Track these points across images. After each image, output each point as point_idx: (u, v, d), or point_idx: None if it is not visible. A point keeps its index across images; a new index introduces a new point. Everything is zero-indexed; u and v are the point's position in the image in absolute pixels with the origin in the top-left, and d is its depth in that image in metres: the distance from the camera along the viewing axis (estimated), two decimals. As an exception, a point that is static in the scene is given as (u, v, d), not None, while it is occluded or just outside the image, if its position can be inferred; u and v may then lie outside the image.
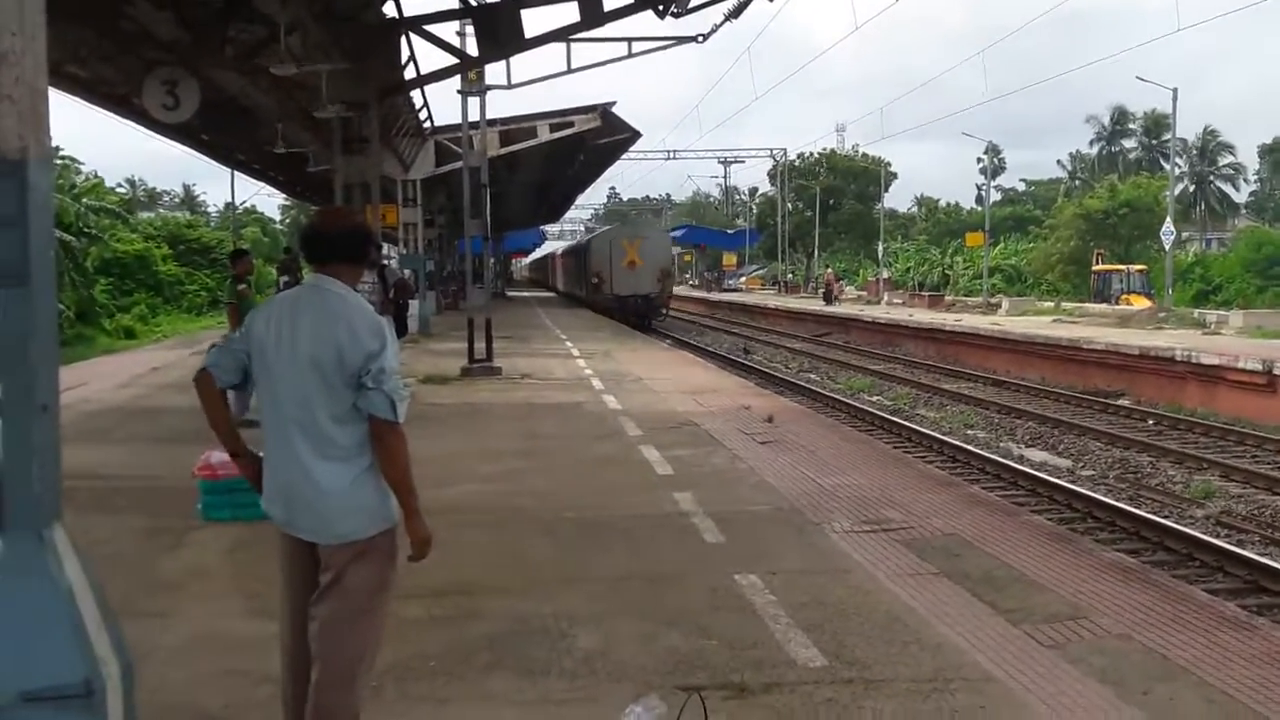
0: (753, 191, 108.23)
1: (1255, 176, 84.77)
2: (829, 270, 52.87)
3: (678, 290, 73.74)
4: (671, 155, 74.68)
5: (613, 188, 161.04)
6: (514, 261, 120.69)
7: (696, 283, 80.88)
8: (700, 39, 15.32)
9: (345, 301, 3.31)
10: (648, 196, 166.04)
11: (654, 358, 21.24)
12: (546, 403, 13.70)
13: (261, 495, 3.40)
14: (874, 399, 19.88)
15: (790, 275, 69.02)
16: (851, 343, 32.97)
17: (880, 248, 57.08)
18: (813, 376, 23.85)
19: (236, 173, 37.92)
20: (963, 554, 6.42)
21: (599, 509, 7.60)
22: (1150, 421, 16.62)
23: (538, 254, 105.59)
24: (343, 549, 3.26)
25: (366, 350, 3.21)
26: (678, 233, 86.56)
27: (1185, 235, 60.00)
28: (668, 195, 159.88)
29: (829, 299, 44.82)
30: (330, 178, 22.04)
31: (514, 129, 29.33)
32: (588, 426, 11.62)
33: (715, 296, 61.13)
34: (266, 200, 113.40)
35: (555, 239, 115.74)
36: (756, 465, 9.28)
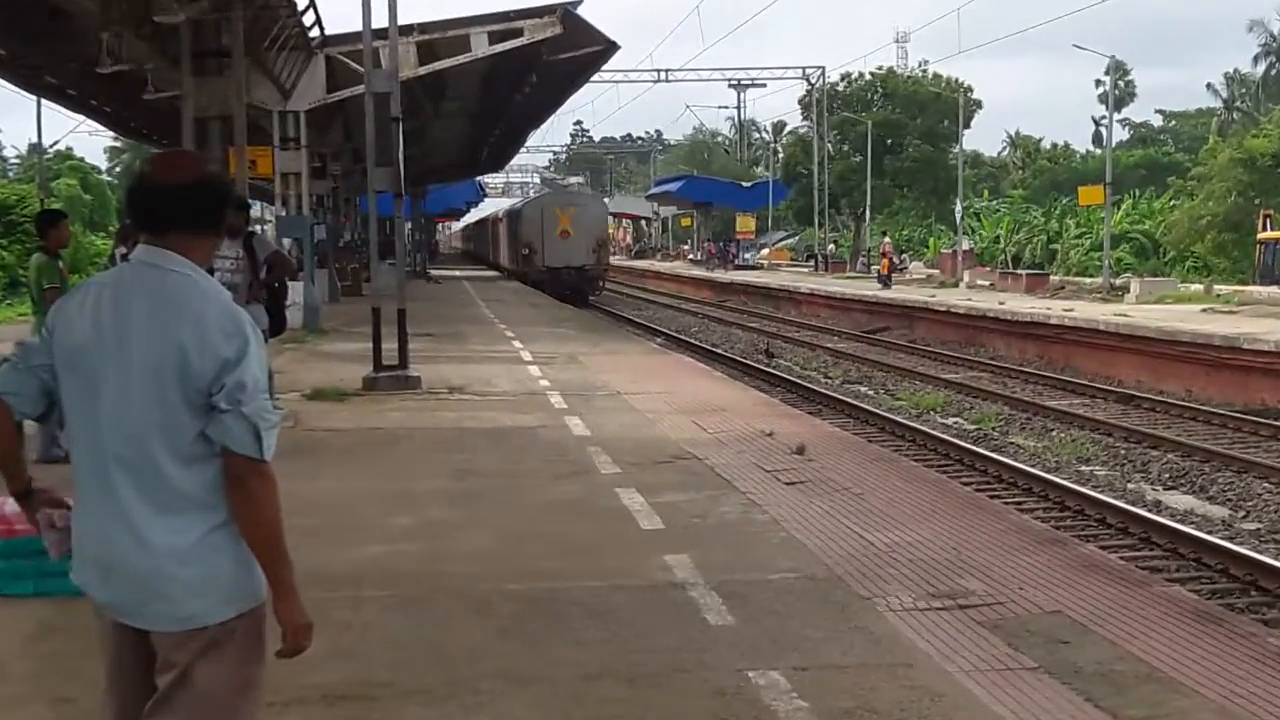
0: (778, 128, 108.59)
1: None
2: (886, 239, 53.11)
3: (672, 268, 74.08)
4: (663, 77, 74.51)
5: (579, 122, 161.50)
6: (440, 227, 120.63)
7: (698, 256, 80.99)
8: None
9: (192, 286, 3.30)
10: (629, 135, 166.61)
11: (638, 363, 21.26)
12: (485, 427, 13.68)
13: (71, 562, 3.39)
14: (949, 421, 19.93)
15: (832, 246, 69.25)
16: (918, 341, 33.03)
17: (958, 207, 57.25)
18: (862, 389, 23.91)
19: (44, 102, 37.76)
20: (1072, 641, 6.44)
21: (558, 578, 7.60)
22: (1338, 453, 16.71)
23: (474, 216, 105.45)
24: (188, 638, 3.26)
25: (220, 356, 3.21)
26: (672, 185, 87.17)
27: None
28: (657, 133, 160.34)
29: (886, 279, 44.97)
30: (177, 108, 22.05)
31: (438, 39, 29.35)
32: (543, 461, 11.60)
33: (726, 276, 61.28)
34: (88, 140, 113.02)
35: (499, 195, 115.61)
36: (781, 515, 9.29)
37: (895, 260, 49.62)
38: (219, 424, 3.20)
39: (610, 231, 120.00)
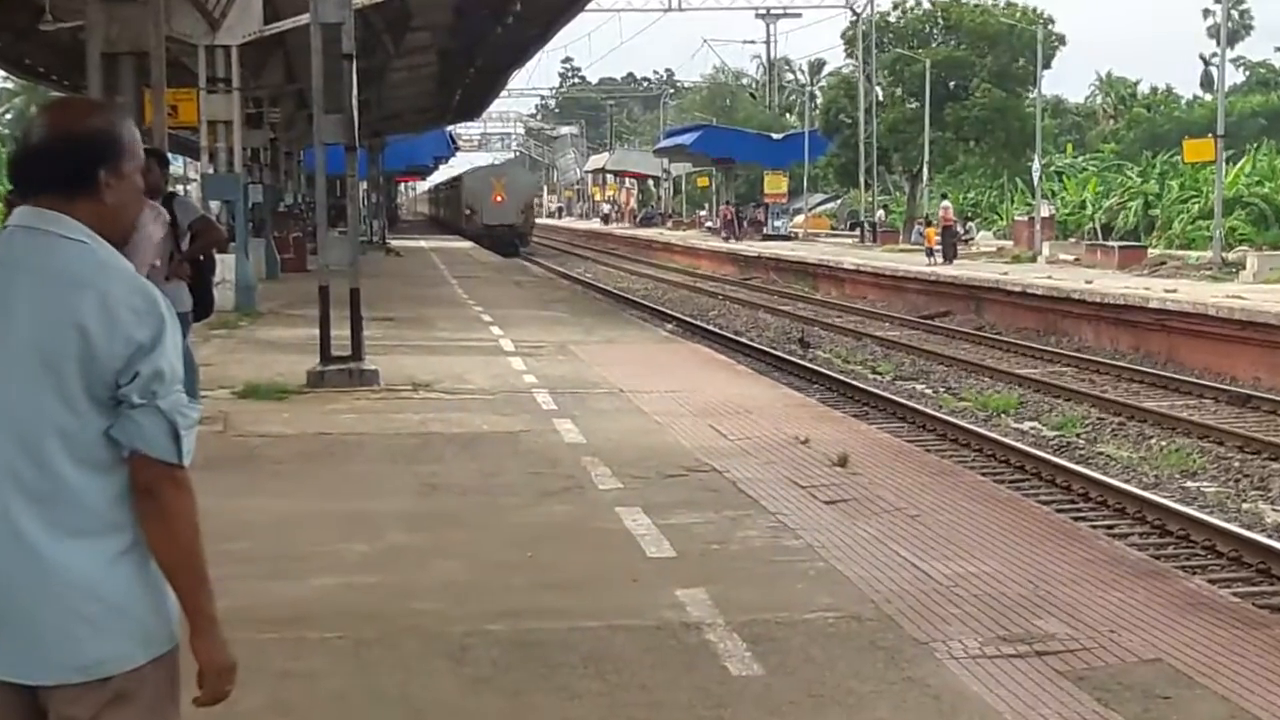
0: (816, 68, 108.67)
1: None
2: (946, 204, 52.96)
3: (685, 238, 74.30)
4: (675, 5, 74.54)
5: (568, 60, 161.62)
6: (403, 188, 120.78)
7: (715, 224, 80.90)
8: None
9: (91, 257, 3.26)
10: (632, 76, 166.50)
11: (644, 354, 21.28)
12: (456, 433, 13.68)
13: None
14: (1025, 426, 19.91)
15: (881, 212, 69.19)
16: (987, 329, 33.02)
17: (1036, 165, 57.18)
18: (918, 387, 23.90)
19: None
20: (1174, 695, 6.43)
21: (545, 617, 7.60)
22: None
23: (444, 175, 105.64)
24: (90, 691, 3.21)
25: (131, 340, 3.17)
26: (686, 137, 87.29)
27: None
28: (668, 73, 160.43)
29: (949, 253, 44.92)
30: (82, 41, 22.00)
31: (401, -42, 29.34)
32: (528, 474, 11.60)
33: (752, 248, 61.23)
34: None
35: (474, 149, 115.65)
36: (818, 541, 9.28)
37: (959, 230, 49.45)
38: (128, 422, 3.17)
39: (611, 193, 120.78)
